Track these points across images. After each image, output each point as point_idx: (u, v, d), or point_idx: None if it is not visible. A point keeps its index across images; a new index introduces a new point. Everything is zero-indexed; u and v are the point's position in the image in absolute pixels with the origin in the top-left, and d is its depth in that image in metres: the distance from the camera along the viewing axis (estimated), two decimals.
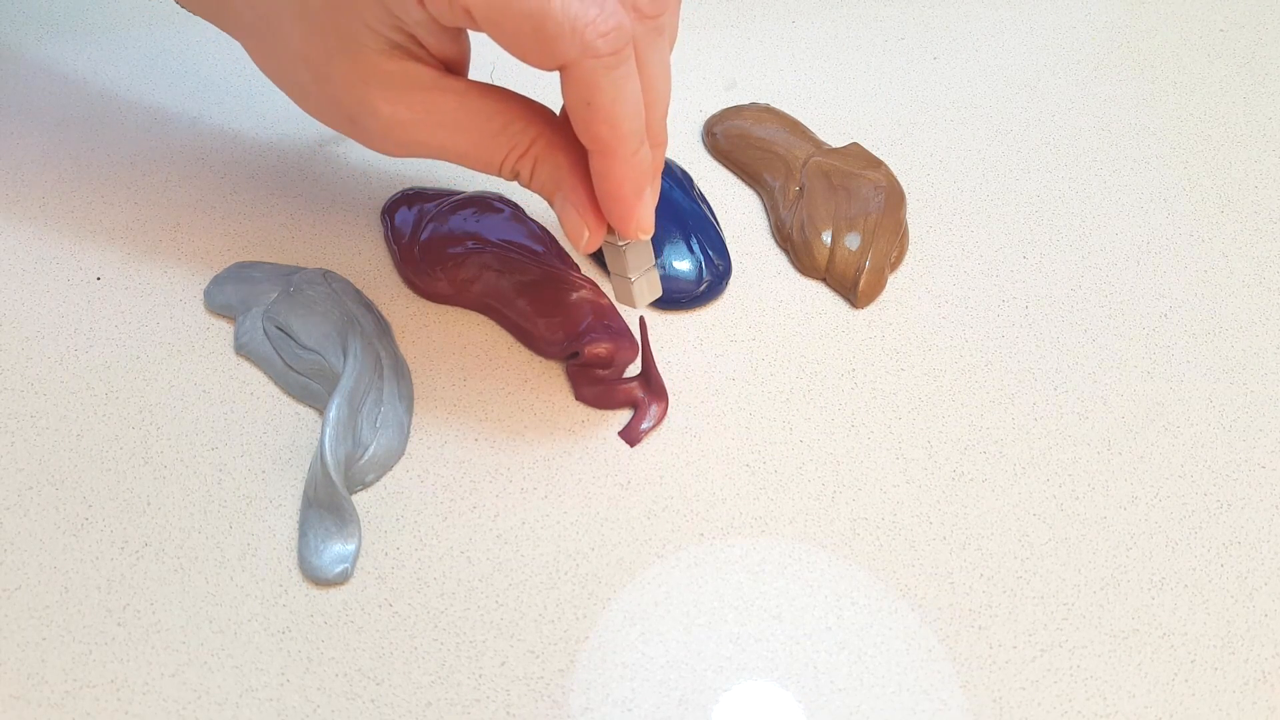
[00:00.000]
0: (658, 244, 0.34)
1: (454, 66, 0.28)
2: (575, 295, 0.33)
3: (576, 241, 0.28)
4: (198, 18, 0.33)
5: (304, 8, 0.26)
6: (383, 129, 0.27)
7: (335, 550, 0.28)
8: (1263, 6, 0.47)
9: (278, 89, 0.30)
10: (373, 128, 0.27)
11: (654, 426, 0.32)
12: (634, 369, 0.33)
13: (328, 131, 0.40)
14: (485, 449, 0.31)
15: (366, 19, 0.25)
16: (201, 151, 0.39)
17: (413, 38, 0.26)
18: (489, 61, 0.43)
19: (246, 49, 0.30)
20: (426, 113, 0.27)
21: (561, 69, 0.25)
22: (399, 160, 0.39)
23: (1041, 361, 0.34)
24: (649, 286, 0.30)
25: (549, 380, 0.33)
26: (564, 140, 0.27)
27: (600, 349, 0.32)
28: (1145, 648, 0.28)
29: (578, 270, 0.34)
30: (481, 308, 0.34)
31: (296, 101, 0.30)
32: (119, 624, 0.27)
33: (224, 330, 0.34)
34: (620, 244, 0.29)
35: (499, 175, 0.28)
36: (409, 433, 0.31)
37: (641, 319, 0.32)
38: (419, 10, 0.25)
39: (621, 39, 0.24)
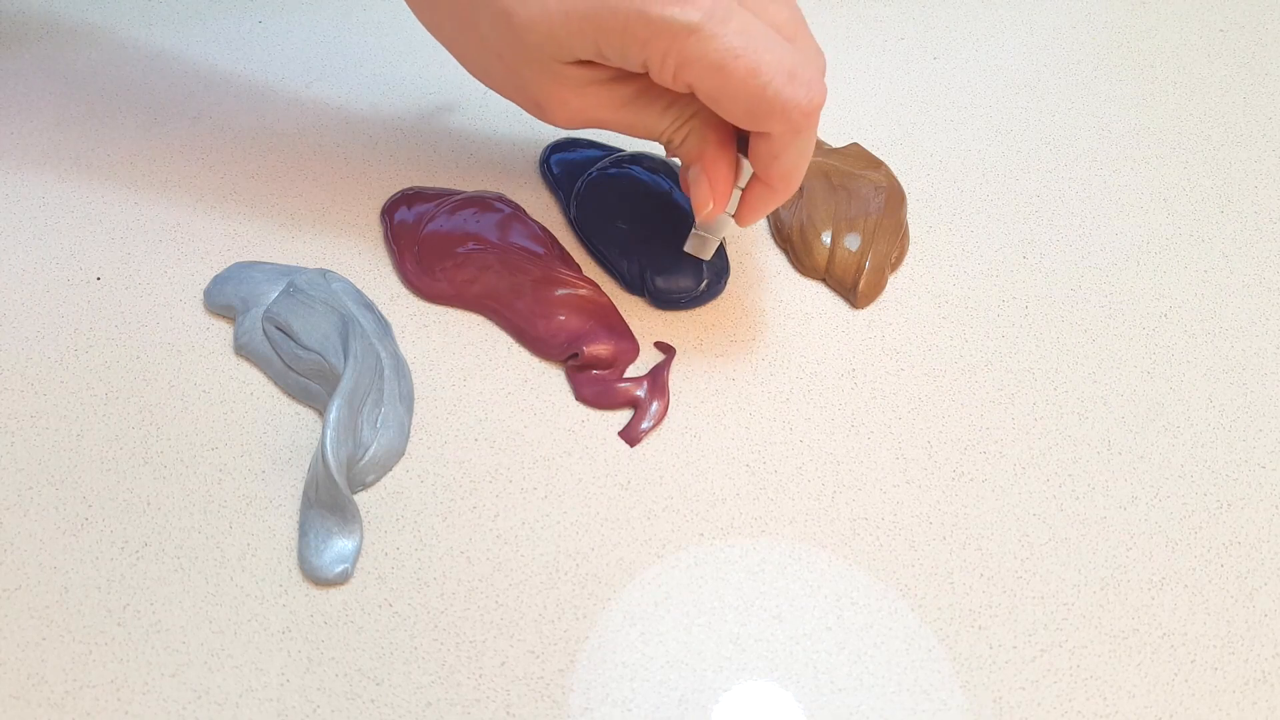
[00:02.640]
0: (656, 244, 0.34)
1: None
2: (576, 296, 0.33)
3: (699, 210, 0.31)
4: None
5: (507, 19, 0.28)
6: (567, 115, 0.30)
7: (335, 550, 0.28)
8: (1263, 6, 0.47)
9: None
10: (558, 113, 0.30)
11: (654, 426, 0.32)
12: (634, 369, 0.33)
13: (328, 131, 0.40)
14: (485, 449, 0.31)
15: (570, 47, 0.28)
16: (201, 151, 0.39)
17: (604, 56, 0.28)
18: None
19: (427, 26, 0.32)
20: (608, 99, 0.30)
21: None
22: (399, 160, 0.39)
23: (1041, 361, 0.34)
24: (707, 247, 0.33)
25: (549, 380, 0.33)
26: (716, 120, 0.30)
27: (601, 349, 0.32)
28: (1145, 648, 0.28)
29: (579, 271, 0.34)
30: (481, 308, 0.34)
31: (479, 80, 0.32)
32: (119, 624, 0.27)
33: (224, 330, 0.34)
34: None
35: (654, 140, 0.31)
36: (409, 433, 0.31)
37: (671, 350, 0.33)
38: (639, 68, 0.27)
39: (818, 113, 0.27)
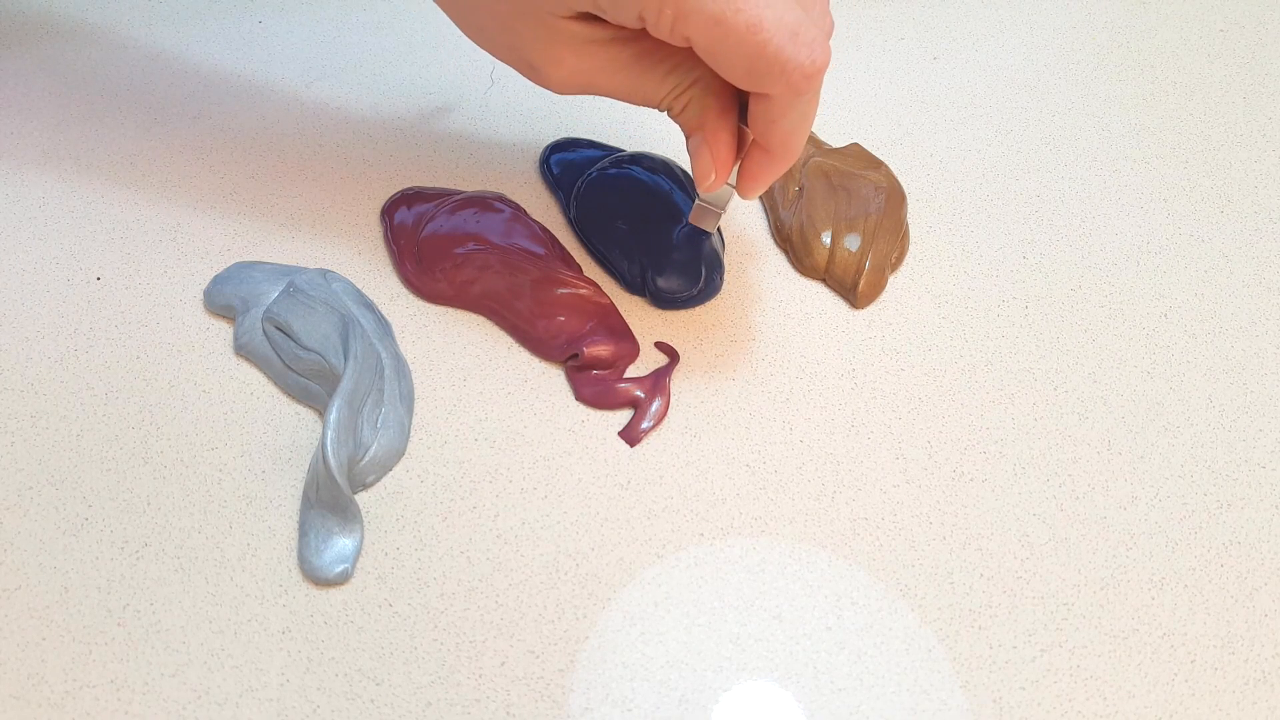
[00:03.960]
0: (656, 244, 0.34)
1: None
2: (576, 296, 0.33)
3: (701, 181, 0.30)
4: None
5: None
6: (563, 76, 0.29)
7: (335, 550, 0.28)
8: (1263, 6, 0.47)
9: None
10: (553, 75, 0.29)
11: (654, 426, 0.32)
12: (634, 370, 0.33)
13: (328, 131, 0.40)
14: (485, 449, 0.31)
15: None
16: (201, 151, 0.39)
17: (600, 7, 0.27)
18: (488, 61, 0.43)
19: None
20: (607, 61, 0.29)
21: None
22: (399, 160, 0.39)
23: (1041, 361, 0.34)
24: (710, 219, 0.33)
25: (549, 380, 0.33)
26: (718, 85, 0.29)
27: (601, 350, 0.32)
28: (1145, 648, 0.28)
29: (579, 272, 0.34)
30: (481, 309, 0.34)
31: (474, 41, 0.31)
32: (119, 624, 0.27)
33: (224, 330, 0.34)
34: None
35: (654, 108, 0.30)
36: (409, 433, 0.31)
37: (674, 354, 0.33)
38: (635, 22, 0.26)
39: (820, 76, 0.26)
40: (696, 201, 0.32)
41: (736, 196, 0.31)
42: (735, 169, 0.30)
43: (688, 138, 0.30)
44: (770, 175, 0.30)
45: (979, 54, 0.45)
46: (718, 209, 0.32)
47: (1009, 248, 0.37)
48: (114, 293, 0.34)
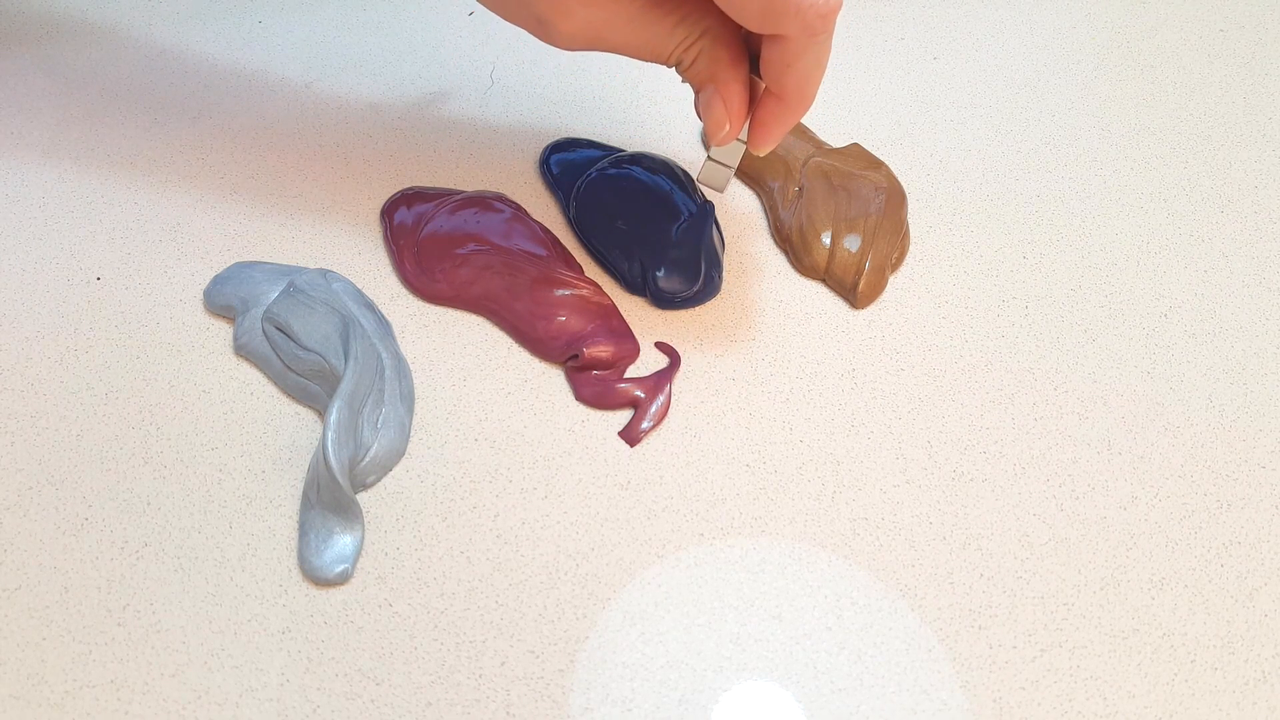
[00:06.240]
0: (656, 243, 0.34)
1: None
2: (577, 297, 0.33)
3: (714, 134, 0.30)
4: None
5: None
6: (571, 29, 0.29)
7: (335, 550, 0.28)
8: (1263, 6, 0.47)
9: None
10: (563, 28, 0.29)
11: (654, 426, 0.32)
12: (634, 369, 0.33)
13: (328, 131, 0.40)
14: (485, 449, 0.31)
15: None
16: (201, 151, 0.39)
17: None
18: (489, 61, 0.43)
19: None
20: (616, 13, 0.28)
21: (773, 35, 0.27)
22: (399, 160, 0.39)
23: (1041, 361, 0.34)
24: (721, 177, 0.33)
25: (549, 380, 0.33)
26: (728, 35, 0.29)
27: (601, 351, 0.32)
28: (1145, 648, 0.28)
29: (580, 272, 0.34)
30: (481, 309, 0.34)
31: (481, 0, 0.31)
32: (119, 624, 0.27)
33: (224, 330, 0.34)
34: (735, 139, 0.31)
35: (662, 63, 0.30)
36: (409, 433, 0.31)
37: (675, 356, 0.33)
38: None
39: (835, 16, 0.26)
40: (706, 160, 0.32)
41: (744, 152, 0.31)
42: (745, 125, 0.30)
43: (697, 94, 0.30)
44: (784, 126, 0.30)
45: (979, 54, 0.45)
46: (729, 166, 0.32)
47: (1009, 248, 0.37)
48: (114, 293, 0.34)
